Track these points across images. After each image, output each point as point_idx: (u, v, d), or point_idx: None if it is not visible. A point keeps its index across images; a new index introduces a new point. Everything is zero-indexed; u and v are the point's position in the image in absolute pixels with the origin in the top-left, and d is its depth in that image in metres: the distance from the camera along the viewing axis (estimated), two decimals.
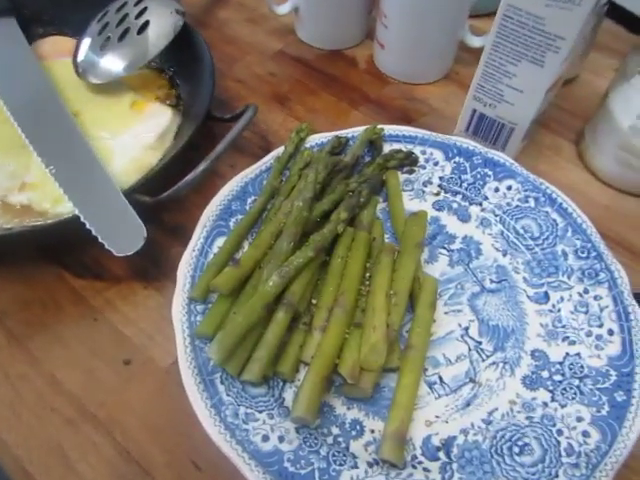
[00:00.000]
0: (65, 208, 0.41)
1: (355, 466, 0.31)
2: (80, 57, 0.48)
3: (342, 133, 0.44)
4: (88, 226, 0.36)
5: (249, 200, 0.41)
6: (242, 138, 0.48)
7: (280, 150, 0.43)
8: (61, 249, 0.41)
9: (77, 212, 0.36)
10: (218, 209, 0.39)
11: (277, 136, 0.49)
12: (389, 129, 0.44)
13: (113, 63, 0.47)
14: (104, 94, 0.48)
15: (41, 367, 0.36)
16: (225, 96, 0.52)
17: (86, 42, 0.49)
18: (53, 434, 0.33)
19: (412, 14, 0.48)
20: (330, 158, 0.41)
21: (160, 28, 0.48)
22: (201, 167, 0.36)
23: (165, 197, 0.37)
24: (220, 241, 0.39)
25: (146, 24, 0.48)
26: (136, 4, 0.49)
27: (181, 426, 0.33)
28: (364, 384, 0.32)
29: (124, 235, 0.36)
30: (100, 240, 0.35)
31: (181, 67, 0.51)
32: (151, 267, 0.40)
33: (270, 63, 0.56)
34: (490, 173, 0.43)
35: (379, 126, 0.44)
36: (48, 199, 0.41)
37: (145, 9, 0.49)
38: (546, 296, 0.38)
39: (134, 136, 0.45)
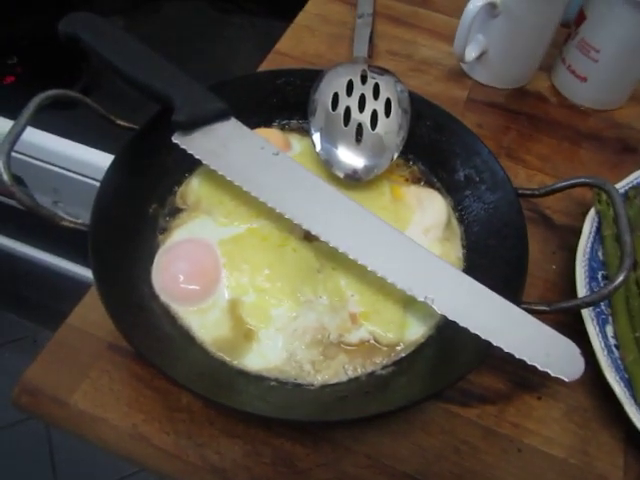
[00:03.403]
0: (416, 333, 0.37)
1: None
2: (331, 154, 0.42)
3: (633, 183, 0.44)
4: (519, 356, 0.31)
5: (599, 275, 0.39)
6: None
7: (592, 215, 0.41)
8: None
9: (493, 342, 0.32)
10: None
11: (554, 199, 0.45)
12: None
13: (375, 156, 0.42)
14: (357, 188, 0.43)
15: None
16: None
17: (321, 134, 0.42)
18: None
19: (633, 48, 0.48)
20: None
21: (400, 103, 0.44)
22: (620, 278, 0.33)
23: (574, 305, 0.34)
24: (608, 329, 0.36)
25: (388, 102, 0.43)
26: (364, 82, 0.44)
27: None
28: None
29: (552, 355, 0.32)
30: (541, 369, 0.31)
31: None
32: (527, 373, 0.37)
33: (469, 114, 0.53)
34: None
35: None
36: (392, 327, 0.36)
37: (378, 86, 0.44)
38: None
39: (422, 231, 0.41)
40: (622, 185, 0.44)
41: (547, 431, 0.35)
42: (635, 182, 0.44)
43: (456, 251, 0.41)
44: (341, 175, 0.42)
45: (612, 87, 0.53)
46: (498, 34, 0.51)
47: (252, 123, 0.44)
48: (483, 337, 0.32)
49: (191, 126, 0.39)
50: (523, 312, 0.33)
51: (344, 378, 0.34)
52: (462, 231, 0.42)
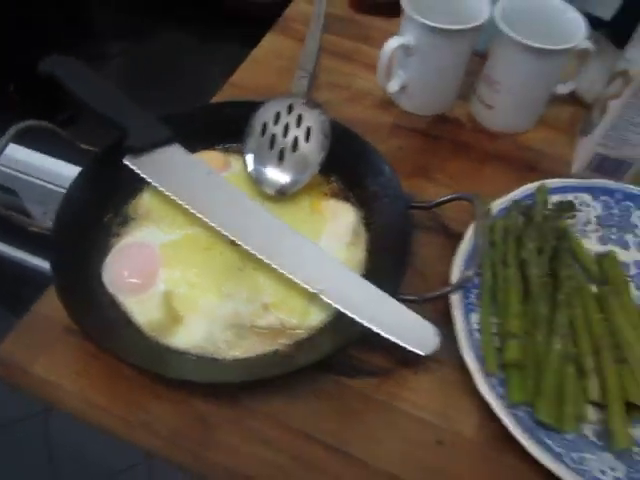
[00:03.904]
0: (316, 319, 0.45)
1: None
2: (260, 173, 0.51)
3: (516, 197, 0.52)
4: (385, 335, 0.40)
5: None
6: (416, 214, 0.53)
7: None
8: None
9: (366, 324, 0.40)
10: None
11: (444, 208, 0.52)
12: (549, 183, 0.52)
13: (296, 174, 0.50)
14: (282, 202, 0.51)
15: (372, 467, 0.39)
16: None
17: (253, 157, 0.51)
18: None
19: (525, 81, 0.57)
20: (532, 224, 0.48)
21: (321, 130, 0.52)
22: (468, 273, 0.41)
23: (436, 296, 0.42)
24: (473, 317, 0.44)
25: (309, 130, 0.52)
26: (289, 113, 0.53)
27: None
28: None
29: (414, 334, 0.40)
30: (402, 345, 0.39)
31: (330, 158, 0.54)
32: (408, 353, 0.44)
33: (392, 139, 0.61)
34: (631, 204, 0.53)
35: (545, 184, 0.52)
36: (295, 315, 0.44)
37: (301, 116, 0.53)
38: None
39: (333, 239, 0.49)
40: (506, 199, 0.51)
41: (417, 398, 0.43)
42: (517, 197, 0.52)
43: (359, 254, 0.49)
44: (269, 192, 0.50)
45: (513, 114, 0.61)
46: (415, 70, 0.60)
47: (199, 146, 0.54)
48: (358, 320, 0.40)
49: (140, 150, 0.48)
50: (396, 301, 0.42)
51: (252, 354, 0.43)
52: (368, 237, 0.50)
